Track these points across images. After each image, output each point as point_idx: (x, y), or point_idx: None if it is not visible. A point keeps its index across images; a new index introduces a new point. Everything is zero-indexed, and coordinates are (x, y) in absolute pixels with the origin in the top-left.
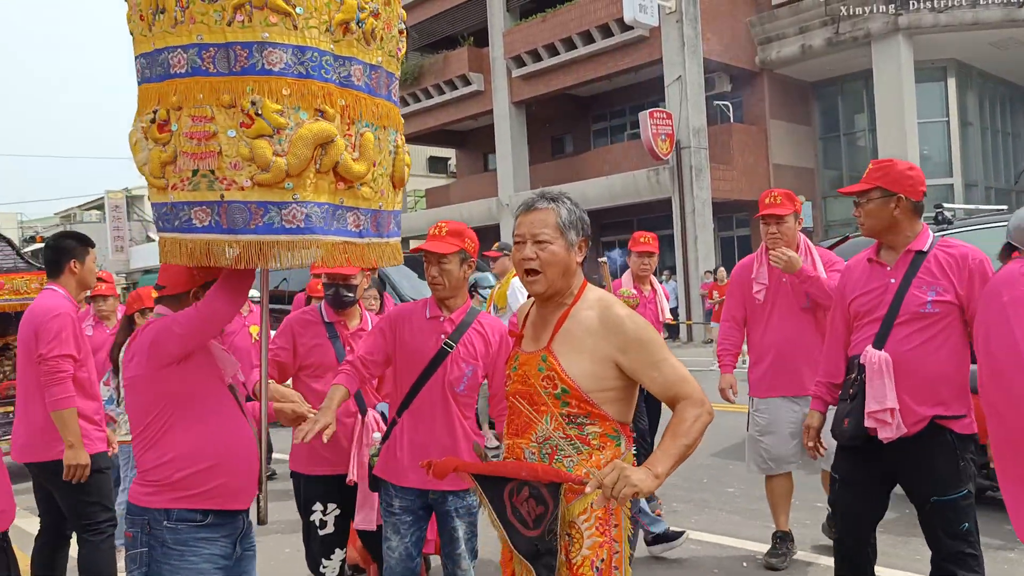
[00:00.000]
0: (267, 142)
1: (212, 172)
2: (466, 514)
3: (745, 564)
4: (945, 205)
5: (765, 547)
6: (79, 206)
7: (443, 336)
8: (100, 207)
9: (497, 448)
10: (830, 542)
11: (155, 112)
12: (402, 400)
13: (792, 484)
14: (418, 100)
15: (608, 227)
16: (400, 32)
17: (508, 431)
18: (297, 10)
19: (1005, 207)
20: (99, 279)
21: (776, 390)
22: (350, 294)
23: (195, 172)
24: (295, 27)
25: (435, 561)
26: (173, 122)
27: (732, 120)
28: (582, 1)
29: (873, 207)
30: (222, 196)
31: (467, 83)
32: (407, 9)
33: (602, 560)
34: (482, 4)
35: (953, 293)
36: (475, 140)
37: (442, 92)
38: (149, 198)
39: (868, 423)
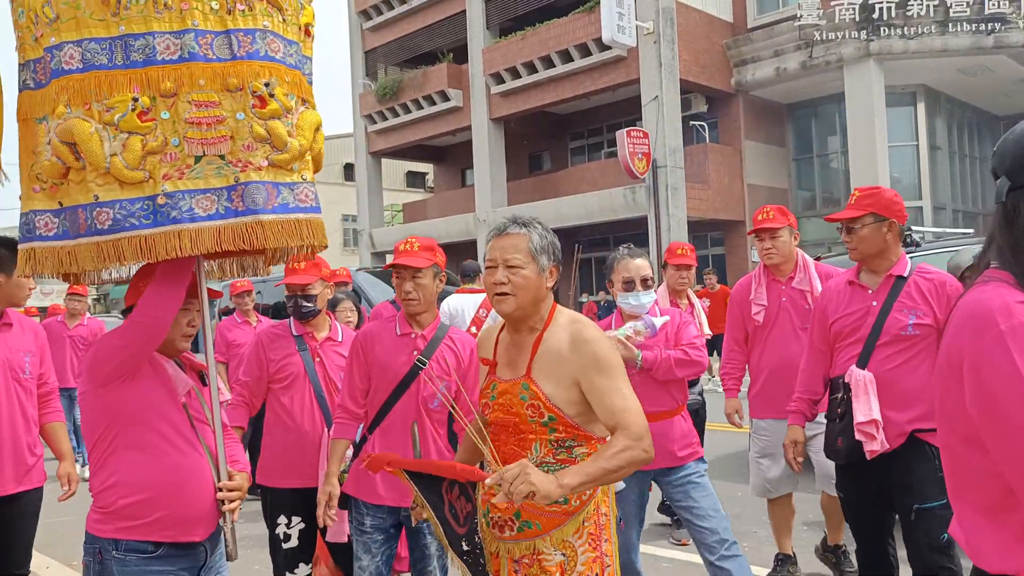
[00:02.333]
0: (281, 123)
1: (222, 158)
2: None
3: None
4: (914, 228)
5: (765, 571)
6: None
7: (415, 353)
8: None
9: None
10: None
11: (135, 100)
12: (374, 417)
13: (793, 507)
14: (397, 115)
15: (584, 244)
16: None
17: (492, 460)
18: (286, 6)
19: (972, 230)
20: (74, 292)
21: (774, 411)
22: (310, 304)
23: (198, 159)
24: (284, 20)
25: None
26: (162, 109)
27: (708, 140)
28: (561, 20)
29: (867, 232)
30: (236, 179)
31: (446, 99)
32: (387, 25)
33: (596, 574)
34: (462, 21)
35: (932, 317)
36: (453, 156)
37: (421, 107)
38: (98, 197)
39: (857, 436)
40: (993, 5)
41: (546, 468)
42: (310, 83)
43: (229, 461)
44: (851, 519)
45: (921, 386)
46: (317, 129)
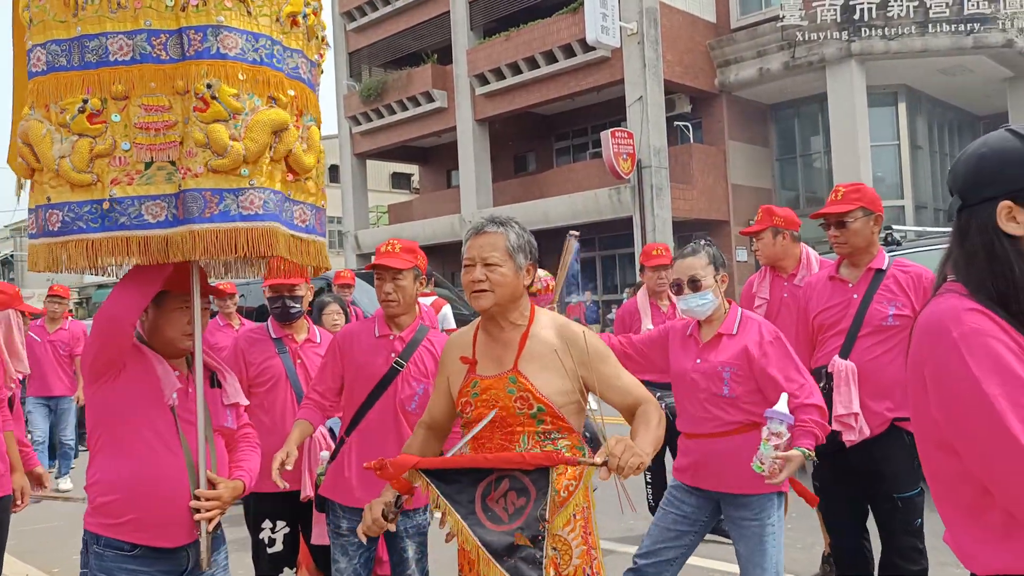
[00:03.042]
0: (224, 126)
1: (172, 164)
2: (416, 534)
3: None
4: (895, 227)
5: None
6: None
7: (393, 355)
8: None
9: None
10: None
11: (85, 101)
12: (351, 419)
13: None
14: (381, 116)
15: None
16: (323, 39)
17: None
18: None
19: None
20: (54, 294)
21: None
22: (296, 305)
23: (148, 164)
24: (248, 13)
25: None
26: (113, 112)
27: (692, 141)
28: (545, 21)
29: (858, 226)
30: (180, 186)
31: (431, 100)
32: (372, 26)
33: (589, 567)
34: (446, 22)
35: (910, 308)
36: (438, 157)
37: (405, 108)
38: (50, 198)
39: (835, 426)
40: (973, 6)
41: None
42: (296, 77)
43: (232, 467)
44: (826, 509)
45: (900, 375)
46: (280, 130)
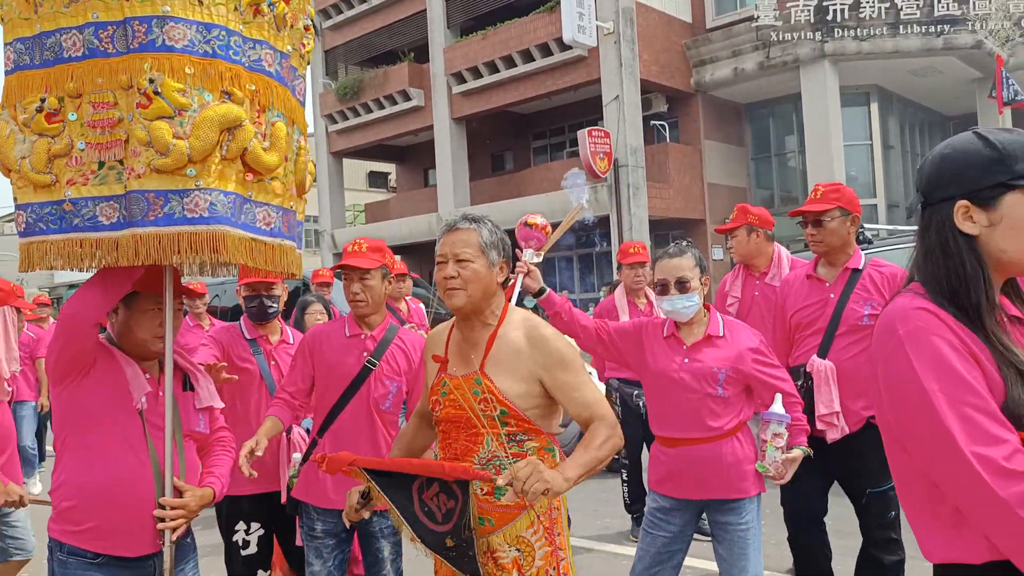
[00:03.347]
0: (167, 124)
1: (120, 163)
2: (391, 534)
3: None
4: (867, 226)
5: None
6: (1, 217)
7: (365, 354)
8: None
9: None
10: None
11: (43, 100)
12: (324, 420)
13: None
14: (358, 114)
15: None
16: (306, 28)
17: (445, 456)
18: None
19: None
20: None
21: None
22: (273, 304)
23: (101, 164)
24: (200, 2)
25: None
26: (69, 111)
27: (668, 140)
28: (522, 20)
29: (835, 225)
30: (126, 187)
31: (407, 98)
32: (348, 24)
33: (554, 568)
34: (423, 20)
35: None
36: (415, 155)
37: (382, 107)
38: (16, 199)
39: (818, 426)
40: (943, 7)
41: (498, 462)
42: (259, 70)
43: (203, 474)
44: (792, 503)
45: (875, 374)
46: (233, 126)
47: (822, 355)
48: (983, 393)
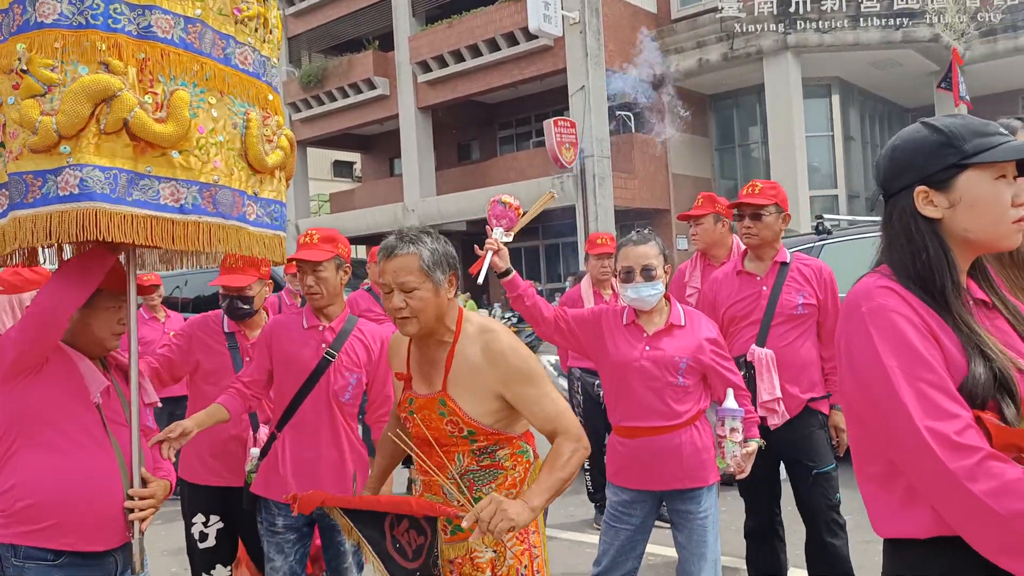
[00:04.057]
0: (36, 102)
1: (2, 146)
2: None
3: None
4: (827, 216)
5: (737, 560)
6: None
7: (324, 345)
8: None
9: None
10: None
11: None
12: (282, 413)
13: None
14: (322, 103)
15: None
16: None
17: (422, 467)
18: None
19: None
20: None
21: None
22: (245, 306)
23: None
24: None
25: None
26: None
27: (633, 130)
28: (488, 9)
29: (771, 220)
30: (6, 172)
31: (372, 87)
32: (311, 11)
33: (525, 566)
34: (387, 8)
35: (815, 297)
36: (381, 145)
37: (346, 95)
38: None
39: (760, 412)
40: (902, 1)
41: (471, 476)
42: (150, 37)
43: (151, 467)
44: (747, 488)
45: (810, 359)
46: (108, 97)
47: (760, 344)
48: (939, 370)
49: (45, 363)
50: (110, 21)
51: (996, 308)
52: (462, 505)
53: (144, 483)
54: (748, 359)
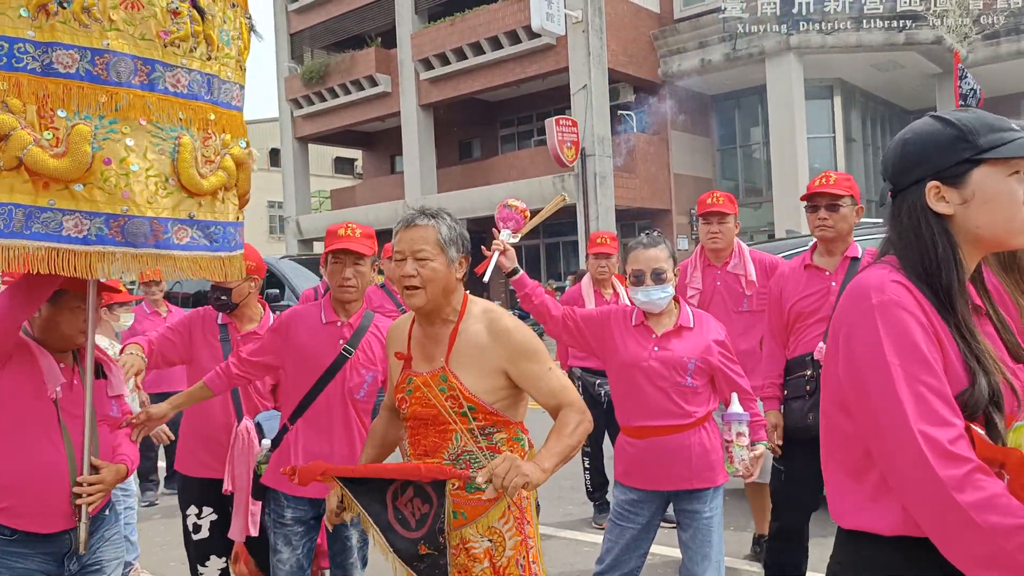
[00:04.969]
0: None
1: None
2: (359, 522)
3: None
4: None
5: (738, 560)
6: None
7: (341, 341)
8: None
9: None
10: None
11: None
12: (296, 407)
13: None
14: (323, 100)
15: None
16: (175, 12)
17: (414, 452)
18: None
19: (882, 220)
20: None
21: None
22: (222, 297)
23: None
24: None
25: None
26: None
27: (635, 130)
28: (491, 7)
29: (847, 212)
30: None
31: (374, 84)
32: (313, 7)
33: (523, 556)
34: (390, 5)
35: None
36: (382, 142)
37: (348, 92)
38: None
39: None
40: (905, 3)
41: (468, 457)
42: (52, 74)
43: (107, 454)
44: (784, 492)
45: (836, 333)
46: (2, 137)
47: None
48: (940, 375)
49: (8, 360)
50: (13, 60)
51: (987, 315)
52: (476, 460)
53: (96, 470)
54: (816, 357)
